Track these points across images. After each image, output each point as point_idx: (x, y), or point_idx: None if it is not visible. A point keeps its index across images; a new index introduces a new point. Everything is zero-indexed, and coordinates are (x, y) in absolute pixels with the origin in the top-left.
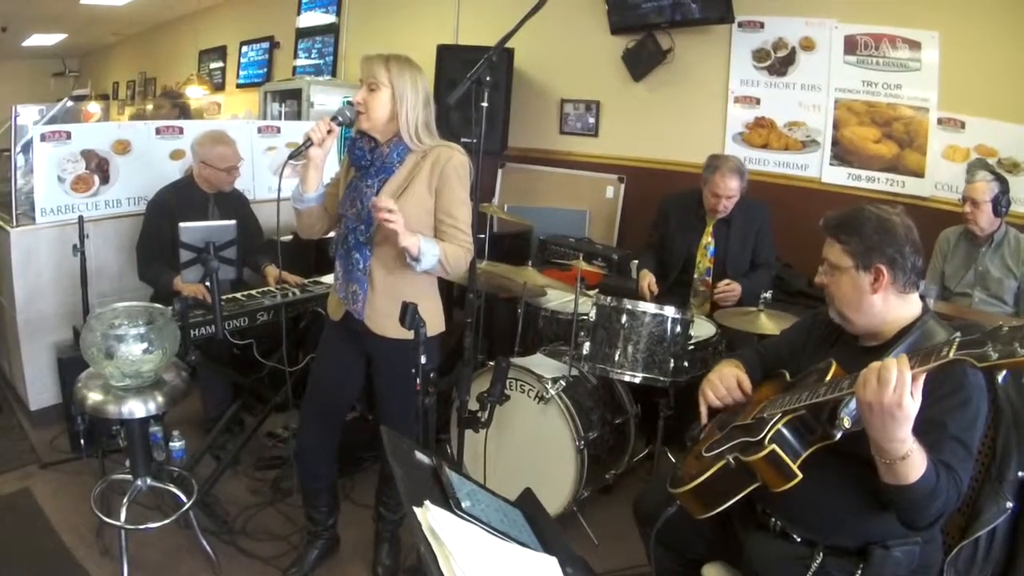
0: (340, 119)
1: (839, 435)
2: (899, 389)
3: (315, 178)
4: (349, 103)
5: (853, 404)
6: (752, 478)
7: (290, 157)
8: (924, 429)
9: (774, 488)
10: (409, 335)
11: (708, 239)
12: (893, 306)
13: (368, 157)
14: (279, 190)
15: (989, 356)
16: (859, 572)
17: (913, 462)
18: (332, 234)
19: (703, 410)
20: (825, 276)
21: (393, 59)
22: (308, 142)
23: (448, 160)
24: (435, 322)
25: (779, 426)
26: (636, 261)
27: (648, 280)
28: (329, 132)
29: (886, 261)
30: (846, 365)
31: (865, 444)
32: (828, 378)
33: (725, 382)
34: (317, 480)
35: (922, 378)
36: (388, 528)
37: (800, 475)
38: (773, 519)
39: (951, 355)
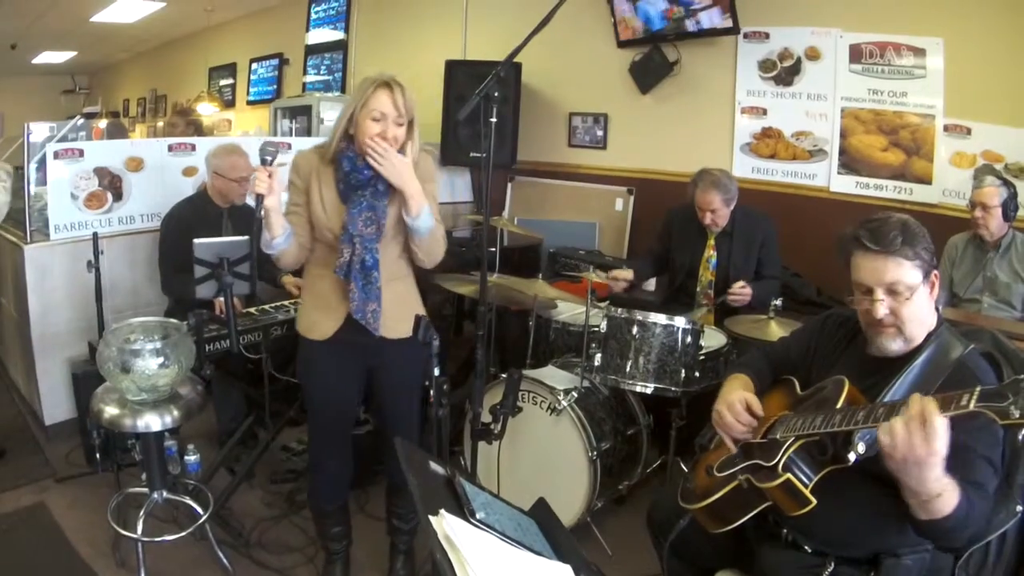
0: (270, 159)
1: (853, 460)
2: (930, 440)
3: (278, 222)
4: (268, 143)
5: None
6: (764, 498)
7: (258, 225)
8: (951, 452)
9: (788, 513)
10: (409, 333)
11: (710, 252)
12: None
13: (376, 176)
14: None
15: (1010, 413)
16: None
17: (948, 496)
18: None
19: (728, 443)
20: (888, 304)
21: (408, 90)
22: (260, 199)
23: (427, 161)
24: None
25: (791, 452)
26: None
27: (621, 273)
28: (270, 177)
29: (936, 266)
30: (858, 376)
31: (877, 463)
32: (841, 401)
33: (732, 411)
34: (331, 502)
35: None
36: (403, 539)
37: (814, 502)
38: (784, 530)
39: (971, 406)
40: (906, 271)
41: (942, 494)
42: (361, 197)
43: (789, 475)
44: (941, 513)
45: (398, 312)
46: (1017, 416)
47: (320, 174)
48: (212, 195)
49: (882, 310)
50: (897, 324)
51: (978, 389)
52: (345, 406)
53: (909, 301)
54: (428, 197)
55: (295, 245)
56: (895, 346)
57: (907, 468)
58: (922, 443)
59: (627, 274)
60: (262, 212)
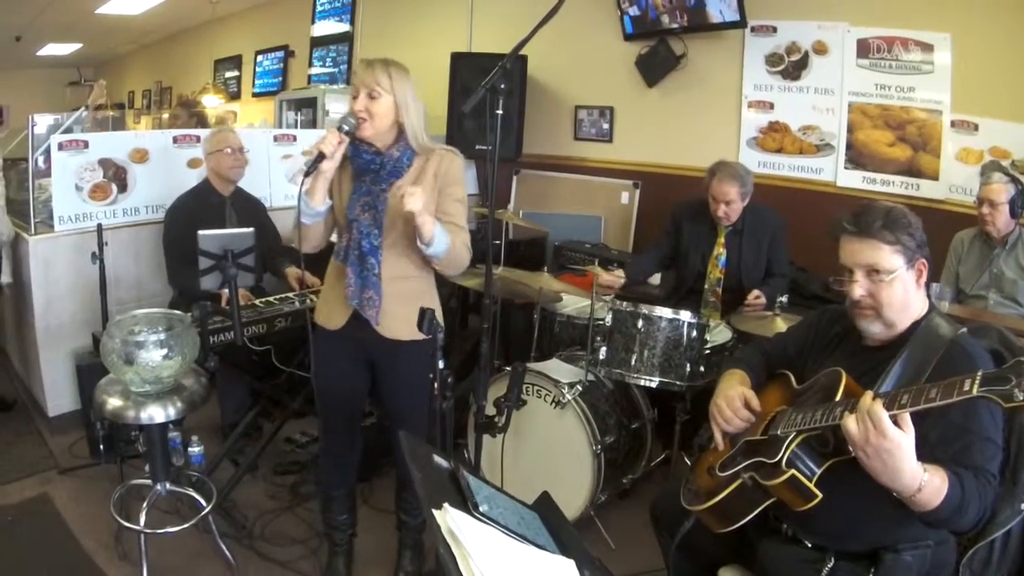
0: (347, 128)
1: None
2: (878, 425)
3: (323, 190)
4: (350, 115)
5: None
6: (769, 495)
7: (306, 174)
8: (951, 436)
9: (794, 508)
10: (418, 336)
11: (720, 250)
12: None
13: (377, 161)
14: (299, 204)
15: (1015, 396)
16: None
17: (931, 489)
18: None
19: (718, 436)
20: (865, 286)
21: (393, 65)
22: (320, 156)
23: (451, 163)
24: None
25: (794, 446)
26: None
27: (607, 279)
28: (339, 143)
29: (925, 255)
30: (854, 367)
31: None
32: (840, 393)
33: (731, 406)
34: (338, 487)
35: (908, 412)
36: (411, 535)
37: (820, 495)
38: (785, 525)
39: (974, 392)
40: (884, 255)
41: (922, 488)
42: (362, 183)
43: (793, 471)
44: (930, 505)
45: (400, 311)
46: (1022, 399)
47: (346, 163)
48: (212, 181)
49: (858, 291)
50: (875, 307)
51: (980, 373)
52: (350, 395)
53: (887, 285)
54: (451, 200)
55: (324, 223)
56: (874, 329)
57: (873, 463)
58: (874, 432)
59: (615, 280)
60: (313, 172)
